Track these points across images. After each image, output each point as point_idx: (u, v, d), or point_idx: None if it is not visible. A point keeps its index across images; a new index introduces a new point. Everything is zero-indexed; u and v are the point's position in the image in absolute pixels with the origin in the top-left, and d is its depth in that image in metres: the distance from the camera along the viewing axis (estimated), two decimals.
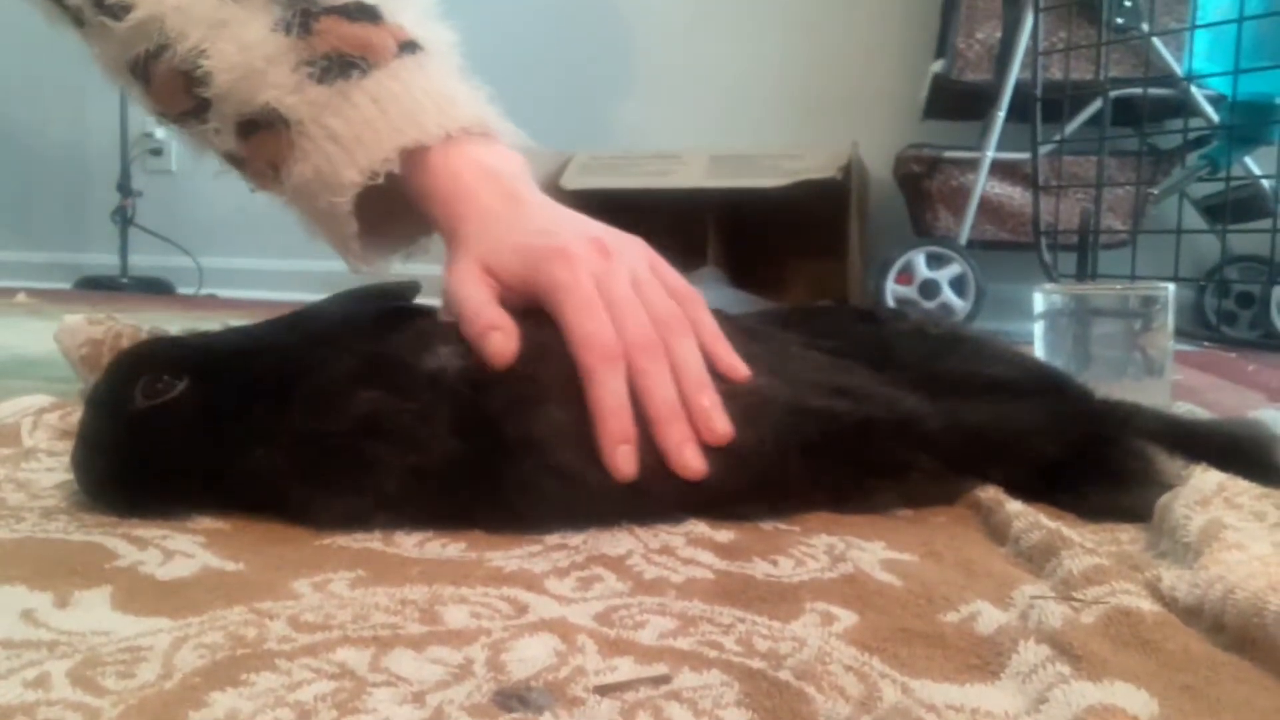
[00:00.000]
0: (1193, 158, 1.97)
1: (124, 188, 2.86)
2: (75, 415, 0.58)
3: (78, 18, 0.65)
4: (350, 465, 0.48)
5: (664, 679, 0.33)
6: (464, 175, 0.60)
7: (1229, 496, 0.49)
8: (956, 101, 2.10)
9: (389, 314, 0.54)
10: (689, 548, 0.47)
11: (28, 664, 0.32)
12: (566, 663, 0.34)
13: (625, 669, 0.33)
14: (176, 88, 0.63)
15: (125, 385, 0.49)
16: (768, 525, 0.51)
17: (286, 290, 2.55)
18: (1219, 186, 1.86)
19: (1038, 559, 0.45)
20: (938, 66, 2.06)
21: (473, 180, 0.60)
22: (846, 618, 0.38)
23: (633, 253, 0.58)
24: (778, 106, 2.54)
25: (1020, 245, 1.99)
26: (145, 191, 2.91)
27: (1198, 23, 1.79)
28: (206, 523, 0.49)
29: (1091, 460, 0.56)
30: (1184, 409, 0.78)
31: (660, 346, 0.53)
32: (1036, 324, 0.86)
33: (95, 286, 2.82)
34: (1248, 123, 1.80)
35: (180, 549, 0.44)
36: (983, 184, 2.01)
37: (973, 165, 2.02)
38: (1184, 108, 1.86)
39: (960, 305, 2.02)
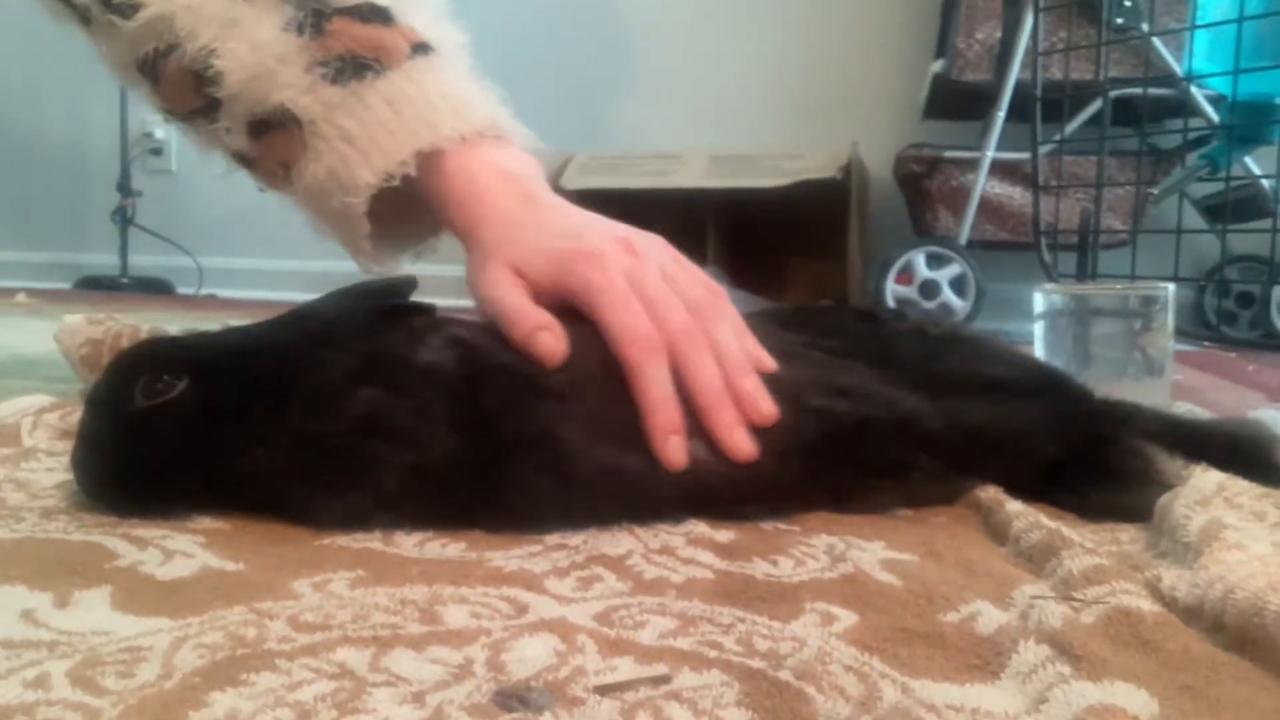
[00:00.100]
0: (1193, 158, 1.97)
1: (124, 188, 2.86)
2: (75, 415, 0.58)
3: (85, 16, 0.65)
4: (350, 464, 0.48)
5: (664, 679, 0.33)
6: (480, 178, 0.60)
7: (1229, 496, 0.49)
8: (956, 101, 2.10)
9: (387, 311, 0.54)
10: (689, 548, 0.47)
11: (28, 664, 0.32)
12: (566, 663, 0.34)
13: (625, 669, 0.33)
14: (186, 86, 0.63)
15: (125, 385, 0.49)
16: (768, 525, 0.51)
17: (286, 290, 2.54)
18: (1219, 186, 1.86)
19: (1038, 559, 0.45)
20: (938, 66, 2.06)
21: (489, 183, 0.60)
22: (846, 618, 0.38)
23: (657, 249, 0.59)
24: (778, 106, 2.54)
25: (1020, 245, 1.99)
26: (145, 191, 2.91)
27: (1198, 23, 1.79)
28: (206, 523, 0.49)
29: (1091, 460, 0.56)
30: (1184, 409, 0.78)
31: (700, 334, 0.54)
32: (1036, 324, 0.86)
33: (95, 286, 2.82)
34: (1248, 123, 1.80)
35: (180, 549, 0.44)
36: (983, 184, 2.01)
37: (973, 165, 2.02)
38: (1184, 108, 1.86)
39: (960, 305, 2.02)
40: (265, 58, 0.61)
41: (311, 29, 0.61)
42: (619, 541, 0.48)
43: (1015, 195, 2.04)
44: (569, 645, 0.35)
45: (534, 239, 0.57)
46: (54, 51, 2.84)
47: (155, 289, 2.83)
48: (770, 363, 0.55)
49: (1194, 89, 1.82)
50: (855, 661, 0.34)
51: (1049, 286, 0.88)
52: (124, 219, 2.86)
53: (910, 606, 0.40)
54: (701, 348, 0.53)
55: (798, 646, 0.35)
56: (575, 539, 0.48)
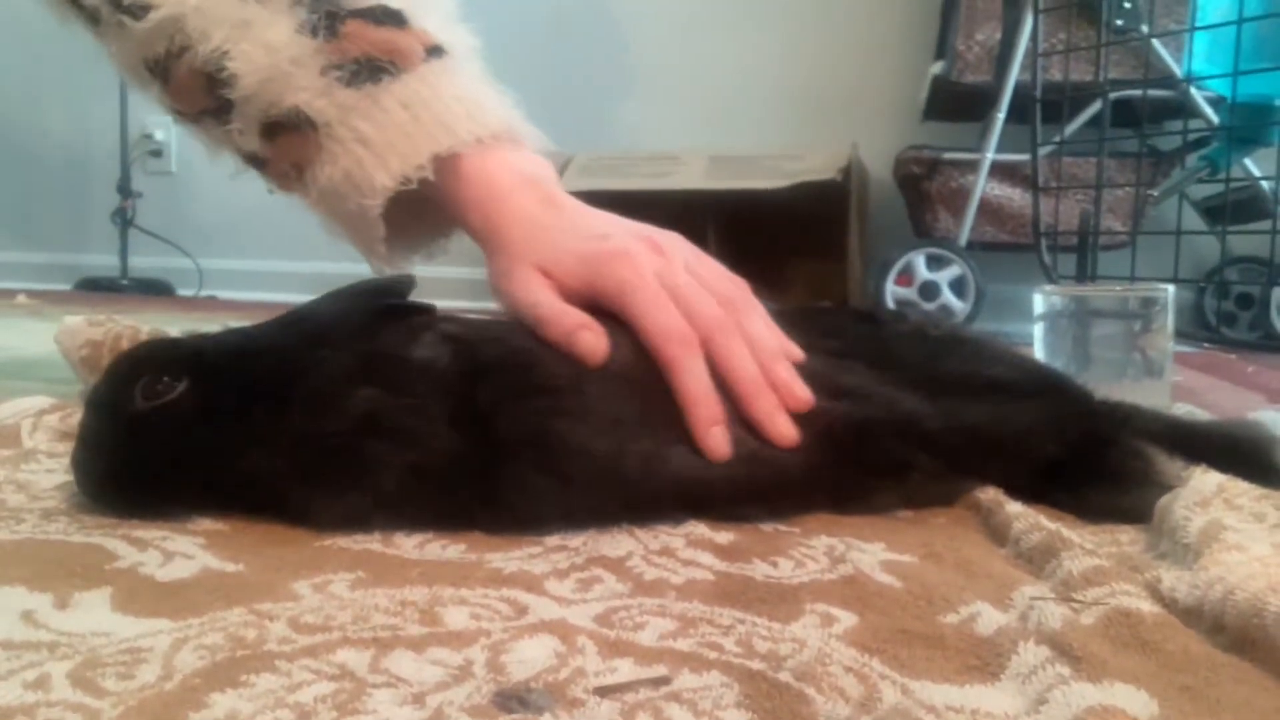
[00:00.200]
0: (1192, 159, 1.97)
1: (124, 189, 2.86)
2: (75, 417, 0.58)
3: (94, 17, 0.65)
4: (349, 465, 0.48)
5: (664, 680, 0.33)
6: (499, 181, 0.61)
7: (1229, 498, 0.49)
8: (956, 103, 2.10)
9: (385, 311, 0.54)
10: (689, 549, 0.47)
11: (28, 665, 0.32)
12: (566, 664, 0.34)
13: (625, 670, 0.33)
14: (197, 87, 0.63)
15: (125, 386, 0.49)
16: (767, 527, 0.51)
17: (286, 292, 2.54)
18: (1219, 188, 1.86)
19: (1038, 560, 0.45)
20: (937, 68, 2.06)
21: (509, 186, 0.61)
22: (846, 619, 0.38)
23: (680, 246, 0.59)
24: (777, 107, 2.54)
25: (1020, 246, 1.99)
26: (145, 193, 2.91)
27: (1197, 24, 1.79)
28: (206, 524, 0.49)
29: (1091, 461, 0.56)
30: (1183, 410, 0.78)
31: (734, 325, 0.55)
32: (1036, 325, 0.86)
33: (95, 288, 2.82)
34: (1247, 124, 1.80)
35: (180, 550, 0.44)
36: (982, 185, 2.01)
37: (972, 167, 2.02)
38: (1184, 109, 1.86)
39: (960, 306, 2.02)
40: (279, 60, 0.60)
41: (325, 31, 0.61)
42: (619, 543, 0.48)
43: (1015, 197, 2.04)
44: (569, 646, 0.35)
45: (560, 240, 0.58)
46: (54, 53, 2.84)
47: (155, 290, 2.83)
48: (798, 352, 0.56)
49: (1194, 90, 1.82)
50: (855, 663, 0.34)
51: (1049, 288, 0.88)
52: (124, 220, 2.86)
53: (910, 608, 0.40)
54: (735, 339, 0.54)
55: (798, 648, 0.35)
56: (575, 540, 0.48)
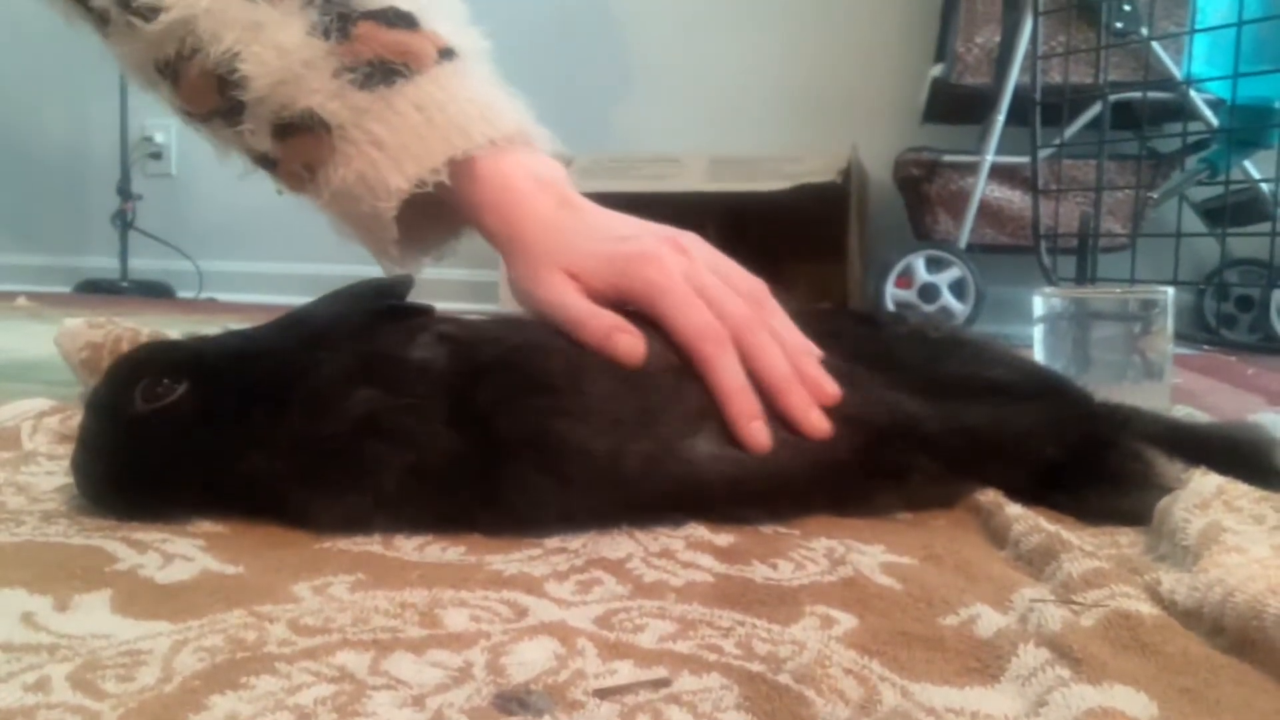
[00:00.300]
0: (1192, 161, 1.97)
1: (124, 191, 2.86)
2: (75, 419, 0.58)
3: (103, 18, 0.64)
4: (349, 466, 0.48)
5: (663, 682, 0.33)
6: (514, 183, 0.61)
7: (1228, 500, 0.49)
8: (956, 105, 2.10)
9: (384, 312, 0.54)
10: (688, 551, 0.47)
11: (28, 667, 0.32)
12: (566, 666, 0.34)
13: (625, 672, 0.33)
14: (208, 89, 0.63)
15: (125, 389, 0.49)
16: (767, 528, 0.51)
17: (286, 294, 2.54)
18: (1218, 190, 1.86)
19: (1037, 562, 0.45)
20: (937, 70, 2.07)
21: (524, 188, 0.61)
22: (846, 621, 0.38)
23: (700, 245, 0.60)
24: (777, 109, 2.55)
25: (1020, 249, 1.99)
26: (145, 195, 2.91)
27: (1197, 26, 1.79)
28: (206, 526, 0.49)
29: (1091, 463, 0.56)
30: (1183, 412, 0.78)
31: (761, 322, 0.56)
32: (1036, 327, 0.86)
33: (95, 290, 2.82)
34: (1247, 126, 1.80)
35: (180, 552, 0.44)
36: (982, 187, 2.01)
37: (972, 169, 2.02)
38: (1183, 111, 1.86)
39: (960, 309, 2.02)
40: (292, 62, 0.60)
41: (338, 33, 0.61)
42: (618, 545, 0.48)
43: (1015, 199, 2.05)
44: (569, 648, 0.35)
45: (581, 243, 0.59)
46: (54, 55, 2.85)
47: (155, 293, 2.83)
48: (817, 350, 0.57)
49: (1193, 93, 1.82)
50: (855, 665, 0.34)
51: (1048, 290, 0.88)
52: (124, 223, 2.86)
53: (910, 610, 0.40)
54: (764, 336, 0.55)
55: (797, 650, 0.35)
56: (575, 542, 0.48)
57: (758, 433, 0.52)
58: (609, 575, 0.43)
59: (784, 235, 2.19)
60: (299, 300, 0.56)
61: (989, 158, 1.99)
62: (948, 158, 2.07)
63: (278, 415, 0.49)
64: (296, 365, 0.50)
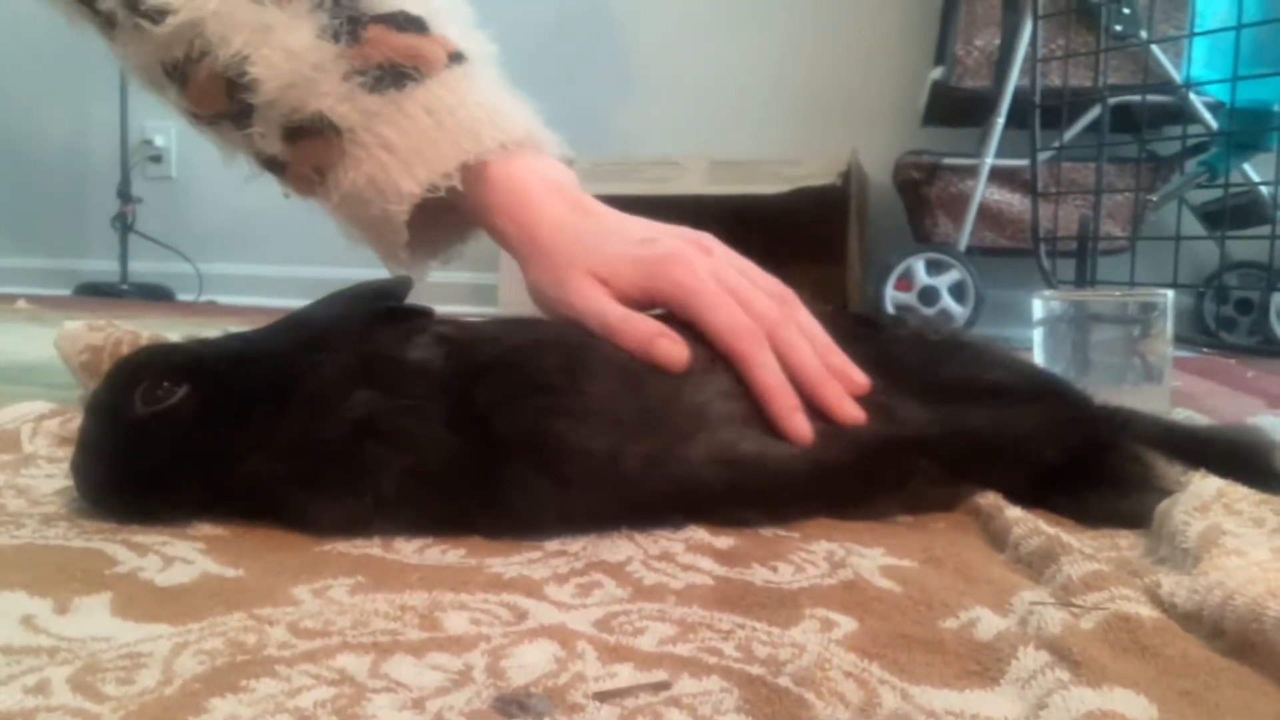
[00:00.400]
0: (1191, 164, 1.97)
1: (124, 194, 2.86)
2: (75, 421, 0.58)
3: (110, 21, 0.64)
4: (349, 468, 0.48)
5: (663, 685, 0.33)
6: (527, 187, 0.61)
7: (1228, 502, 0.49)
8: (956, 108, 2.10)
9: (384, 314, 0.54)
10: (688, 554, 0.47)
11: (28, 670, 0.32)
12: (566, 669, 0.34)
13: (625, 675, 0.33)
14: (217, 91, 0.63)
15: (125, 391, 0.49)
16: (767, 531, 0.51)
17: (286, 297, 2.54)
18: (1218, 193, 1.86)
19: (1037, 565, 0.45)
20: (937, 73, 2.07)
21: (537, 191, 0.61)
22: (846, 624, 0.38)
23: (720, 246, 0.61)
24: (777, 112, 2.55)
25: (1019, 251, 2.00)
26: (145, 198, 2.91)
27: (1196, 30, 1.79)
28: (206, 529, 0.49)
29: (1090, 466, 0.56)
30: (1183, 415, 0.78)
31: (790, 319, 0.57)
32: (1036, 330, 0.86)
33: (95, 293, 2.82)
34: (1246, 129, 1.80)
35: (180, 555, 0.44)
36: (982, 190, 2.02)
37: (972, 172, 2.03)
38: (1183, 114, 1.87)
39: (959, 311, 2.02)
40: (301, 65, 0.60)
41: (347, 36, 0.61)
42: (618, 548, 0.48)
43: (1014, 202, 2.05)
44: (569, 651, 0.35)
45: (605, 246, 0.59)
46: (54, 57, 2.85)
47: (155, 295, 2.83)
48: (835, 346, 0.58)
49: (1193, 96, 1.83)
50: (855, 668, 0.34)
51: (1048, 293, 0.88)
52: (124, 225, 2.86)
53: (910, 613, 0.40)
54: (794, 331, 0.56)
55: (797, 653, 0.35)
56: (575, 545, 0.48)
57: (801, 425, 0.52)
58: (609, 578, 0.43)
59: (784, 238, 2.19)
60: (299, 303, 0.56)
61: (989, 160, 1.99)
62: (947, 160, 2.07)
63: (277, 418, 0.49)
64: (296, 368, 0.50)
